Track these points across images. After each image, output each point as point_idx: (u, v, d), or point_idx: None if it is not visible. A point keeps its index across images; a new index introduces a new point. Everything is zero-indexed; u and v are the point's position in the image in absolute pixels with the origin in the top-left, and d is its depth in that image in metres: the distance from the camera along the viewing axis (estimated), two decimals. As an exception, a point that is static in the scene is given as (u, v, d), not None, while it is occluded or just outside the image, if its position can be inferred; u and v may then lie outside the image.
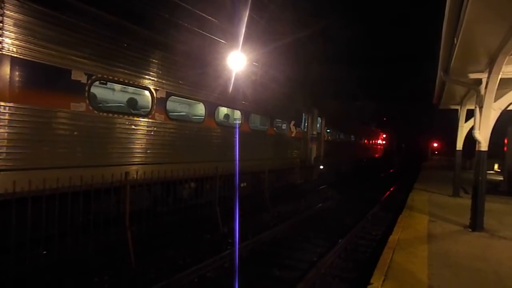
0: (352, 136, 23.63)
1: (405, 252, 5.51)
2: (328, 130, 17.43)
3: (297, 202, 11.75)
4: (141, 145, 6.41)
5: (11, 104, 4.48)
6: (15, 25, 4.51)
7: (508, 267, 5.05)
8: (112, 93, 7.73)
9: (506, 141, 15.88)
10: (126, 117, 6.19)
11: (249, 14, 10.52)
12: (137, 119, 6.39)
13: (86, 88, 5.42)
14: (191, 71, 7.54)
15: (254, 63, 10.46)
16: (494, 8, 4.33)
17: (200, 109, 8.64)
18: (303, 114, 13.82)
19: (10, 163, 4.48)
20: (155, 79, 6.66)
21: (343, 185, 16.98)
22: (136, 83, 6.35)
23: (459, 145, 11.68)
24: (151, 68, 6.59)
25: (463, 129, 11.35)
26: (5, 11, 4.40)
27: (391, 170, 33.22)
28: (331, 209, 11.30)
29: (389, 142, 42.56)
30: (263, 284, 5.24)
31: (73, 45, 5.21)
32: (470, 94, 9.92)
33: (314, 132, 14.88)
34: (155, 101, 6.67)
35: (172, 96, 7.15)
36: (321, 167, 15.94)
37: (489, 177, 11.54)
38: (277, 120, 11.84)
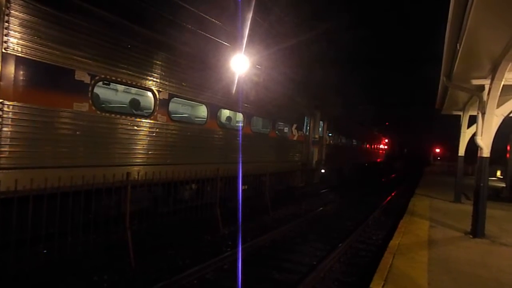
0: (354, 140, 23.59)
1: (405, 257, 5.49)
2: (330, 134, 17.42)
3: (298, 205, 11.74)
4: (143, 146, 6.42)
5: (14, 103, 4.51)
6: (20, 25, 4.55)
7: (509, 274, 5.02)
8: (115, 94, 7.76)
9: (508, 147, 15.81)
10: (128, 117, 6.22)
11: (252, 16, 10.56)
12: (140, 120, 6.41)
13: (89, 88, 5.45)
14: (194, 73, 7.58)
15: (257, 65, 10.48)
16: (498, 14, 4.33)
17: (202, 111, 8.67)
18: (306, 117, 13.82)
19: (12, 161, 4.51)
20: (158, 80, 6.69)
21: (344, 189, 16.96)
22: (139, 84, 6.37)
23: (461, 151, 11.65)
24: (154, 70, 6.62)
25: (466, 135, 11.33)
26: (10, 11, 4.45)
27: (393, 175, 33.13)
28: (331, 213, 11.28)
29: (391, 147, 42.44)
30: (263, 286, 5.23)
31: (77, 45, 5.24)
32: (473, 100, 9.92)
33: (316, 136, 14.87)
34: (158, 102, 6.69)
35: (175, 98, 7.18)
36: (323, 170, 15.92)
37: (491, 183, 11.50)
38: (279, 123, 11.84)
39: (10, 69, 4.47)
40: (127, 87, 6.87)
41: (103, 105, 6.49)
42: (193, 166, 7.47)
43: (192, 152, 7.63)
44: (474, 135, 7.12)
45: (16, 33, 4.52)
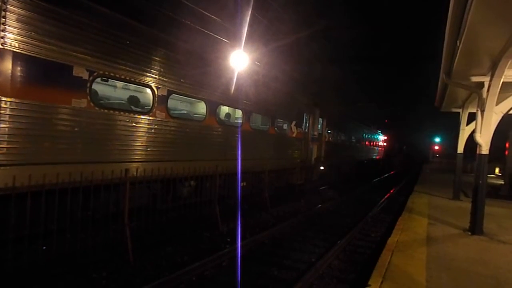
0: (353, 137, 23.60)
1: (403, 254, 5.50)
2: (329, 131, 17.41)
3: (297, 203, 11.74)
4: (142, 143, 6.41)
5: (12, 99, 4.48)
6: (17, 20, 4.52)
7: (507, 271, 5.04)
8: (113, 90, 7.73)
9: (507, 145, 15.84)
10: (127, 114, 6.19)
11: (251, 13, 10.51)
12: (138, 116, 6.39)
13: (88, 85, 5.42)
14: (193, 70, 7.54)
15: (256, 62, 10.44)
16: (498, 11, 4.31)
17: (201, 107, 8.64)
18: (305, 114, 13.80)
19: (10, 158, 4.49)
20: (157, 76, 6.66)
21: (343, 186, 16.99)
22: (137, 81, 6.35)
23: (460, 148, 11.65)
24: (153, 66, 6.59)
25: (465, 132, 11.31)
26: (7, 6, 4.40)
27: (392, 172, 33.20)
28: (330, 210, 11.30)
29: (390, 144, 42.45)
30: (261, 283, 5.23)
31: (75, 41, 5.20)
32: (472, 97, 9.89)
33: (315, 133, 14.86)
34: (156, 98, 6.67)
35: (174, 94, 7.15)
36: (322, 167, 15.93)
37: (490, 180, 11.50)
38: (279, 120, 11.83)
39: (7, 65, 4.44)
40: (125, 83, 6.83)
41: (102, 102, 6.47)
42: (192, 163, 7.46)
43: (191, 149, 7.61)
44: (473, 132, 7.11)
45: (13, 29, 4.48)
